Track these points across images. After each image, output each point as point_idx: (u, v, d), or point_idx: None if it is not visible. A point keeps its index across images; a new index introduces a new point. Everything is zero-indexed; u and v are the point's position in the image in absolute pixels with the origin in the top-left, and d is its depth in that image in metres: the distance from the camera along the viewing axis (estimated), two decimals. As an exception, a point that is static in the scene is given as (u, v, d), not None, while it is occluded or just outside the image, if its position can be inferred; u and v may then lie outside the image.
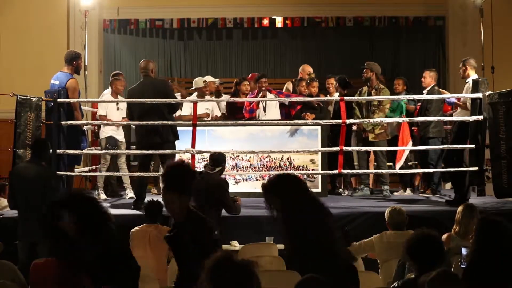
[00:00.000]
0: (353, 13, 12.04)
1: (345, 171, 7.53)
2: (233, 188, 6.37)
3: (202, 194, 5.62)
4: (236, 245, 6.05)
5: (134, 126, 7.71)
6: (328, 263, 3.34)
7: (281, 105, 8.25)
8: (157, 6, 11.79)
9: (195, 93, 8.42)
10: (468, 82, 7.20)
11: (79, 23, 10.67)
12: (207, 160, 7.46)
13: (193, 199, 3.61)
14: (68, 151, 6.98)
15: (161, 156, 7.02)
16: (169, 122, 6.91)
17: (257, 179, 7.84)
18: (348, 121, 7.26)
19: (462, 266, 3.98)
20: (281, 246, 5.33)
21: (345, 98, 7.44)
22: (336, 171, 7.27)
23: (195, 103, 7.24)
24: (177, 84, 10.56)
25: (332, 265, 3.35)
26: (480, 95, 6.85)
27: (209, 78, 8.85)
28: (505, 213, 6.20)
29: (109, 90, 8.30)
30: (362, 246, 5.08)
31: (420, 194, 8.17)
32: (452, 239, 4.79)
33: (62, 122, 6.96)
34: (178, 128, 7.08)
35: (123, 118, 8.06)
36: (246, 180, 7.98)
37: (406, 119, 7.61)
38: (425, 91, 7.97)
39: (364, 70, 8.02)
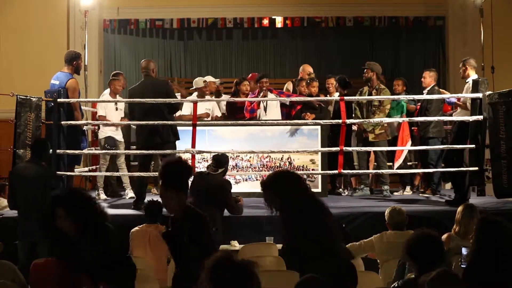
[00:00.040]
0: (353, 13, 12.02)
1: (345, 171, 7.53)
2: (233, 188, 6.37)
3: (203, 194, 5.64)
4: (236, 245, 6.04)
5: (134, 126, 7.71)
6: (328, 262, 3.35)
7: (281, 105, 8.25)
8: (157, 6, 11.78)
9: (195, 93, 8.42)
10: (468, 82, 7.19)
11: (79, 23, 10.65)
12: (207, 160, 7.49)
13: (194, 199, 3.61)
14: (68, 151, 6.98)
15: (162, 156, 7.02)
16: (169, 122, 6.91)
17: (257, 179, 7.83)
18: (348, 121, 7.27)
19: (462, 266, 3.98)
20: (281, 246, 5.32)
21: (345, 98, 7.43)
22: (336, 171, 7.27)
23: (195, 103, 7.24)
24: (177, 84, 10.55)
25: (332, 265, 3.35)
26: (480, 95, 6.85)
27: (209, 78, 8.85)
28: (505, 213, 6.20)
29: (108, 90, 8.31)
30: (362, 246, 5.07)
31: (420, 194, 8.17)
32: (452, 239, 4.78)
33: (62, 122, 6.96)
34: (178, 128, 7.08)
35: (121, 118, 8.07)
36: (246, 180, 7.98)
37: (406, 119, 7.62)
38: (425, 91, 7.97)
39: (365, 70, 8.00)
